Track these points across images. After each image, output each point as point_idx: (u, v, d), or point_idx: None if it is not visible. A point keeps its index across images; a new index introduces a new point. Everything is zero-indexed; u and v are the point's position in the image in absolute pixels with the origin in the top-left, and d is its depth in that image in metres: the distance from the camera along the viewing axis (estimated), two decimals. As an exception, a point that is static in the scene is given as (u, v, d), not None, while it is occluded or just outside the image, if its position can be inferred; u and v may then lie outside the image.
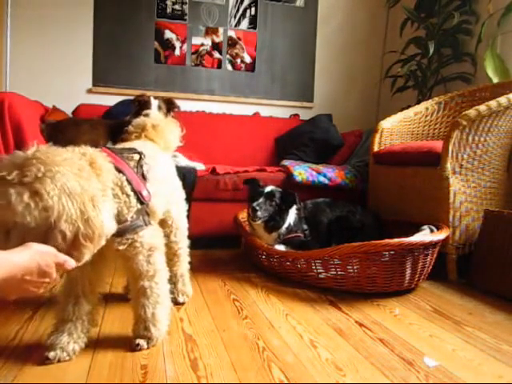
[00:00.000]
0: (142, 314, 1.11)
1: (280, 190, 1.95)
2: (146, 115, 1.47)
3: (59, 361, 1.02)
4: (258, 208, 1.83)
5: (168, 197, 1.30)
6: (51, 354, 1.02)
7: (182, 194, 1.47)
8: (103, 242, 0.89)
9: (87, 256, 0.86)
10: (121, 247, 1.04)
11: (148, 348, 1.11)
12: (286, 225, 1.92)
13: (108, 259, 1.11)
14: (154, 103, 2.27)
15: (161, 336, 1.14)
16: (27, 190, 0.75)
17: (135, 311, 1.13)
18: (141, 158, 1.12)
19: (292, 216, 1.95)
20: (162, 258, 1.16)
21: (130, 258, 1.08)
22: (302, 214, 2.00)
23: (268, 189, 1.92)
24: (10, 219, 0.75)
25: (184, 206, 1.47)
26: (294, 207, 1.97)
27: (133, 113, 2.22)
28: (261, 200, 1.86)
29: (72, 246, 0.81)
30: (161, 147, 1.39)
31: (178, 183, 1.45)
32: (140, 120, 1.42)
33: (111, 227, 0.93)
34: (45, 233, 0.78)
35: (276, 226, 1.90)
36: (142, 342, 1.11)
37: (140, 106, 2.20)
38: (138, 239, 1.06)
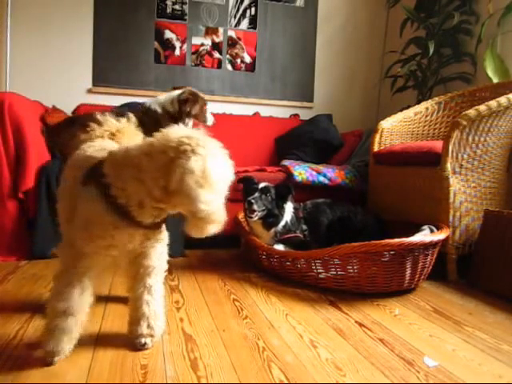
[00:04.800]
0: (146, 311, 1.11)
1: (273, 185, 1.95)
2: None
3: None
4: (253, 201, 1.83)
5: None
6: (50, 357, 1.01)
7: None
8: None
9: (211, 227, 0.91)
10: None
11: (151, 346, 1.11)
12: (282, 222, 1.92)
13: (119, 258, 1.10)
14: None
15: (160, 333, 1.15)
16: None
17: (138, 309, 1.11)
18: None
19: (289, 214, 1.95)
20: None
21: (146, 253, 1.09)
22: (301, 214, 2.00)
23: (262, 184, 1.93)
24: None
25: None
26: (291, 207, 1.97)
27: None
28: (256, 195, 1.86)
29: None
30: None
31: None
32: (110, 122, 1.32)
33: None
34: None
35: (274, 223, 1.90)
36: (148, 341, 1.11)
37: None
38: (163, 231, 1.09)
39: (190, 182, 0.83)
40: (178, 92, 2.06)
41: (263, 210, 1.87)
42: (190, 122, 2.21)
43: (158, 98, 2.05)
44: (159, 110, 2.00)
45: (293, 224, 1.94)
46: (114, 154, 0.99)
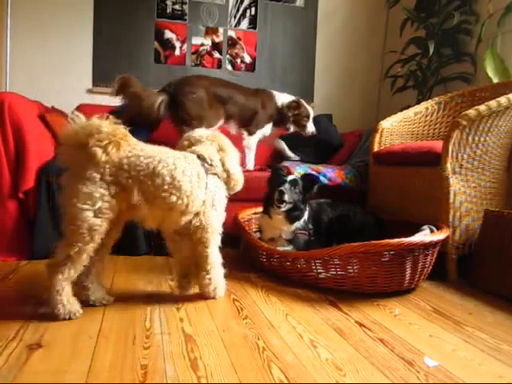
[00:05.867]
0: None
1: (300, 177, 1.94)
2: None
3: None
4: (285, 191, 1.79)
5: None
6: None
7: None
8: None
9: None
10: None
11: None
12: (305, 217, 1.89)
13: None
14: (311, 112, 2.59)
15: None
16: None
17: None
18: None
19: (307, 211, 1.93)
20: None
21: None
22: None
23: (291, 177, 1.91)
24: None
25: None
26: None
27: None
28: (286, 185, 1.83)
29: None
30: None
31: None
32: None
33: None
34: None
35: (298, 217, 1.87)
36: None
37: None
38: None
39: (233, 162, 1.53)
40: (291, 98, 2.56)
41: (290, 203, 1.84)
42: (292, 126, 2.58)
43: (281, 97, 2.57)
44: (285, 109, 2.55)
45: (309, 220, 1.93)
46: (204, 152, 1.49)
